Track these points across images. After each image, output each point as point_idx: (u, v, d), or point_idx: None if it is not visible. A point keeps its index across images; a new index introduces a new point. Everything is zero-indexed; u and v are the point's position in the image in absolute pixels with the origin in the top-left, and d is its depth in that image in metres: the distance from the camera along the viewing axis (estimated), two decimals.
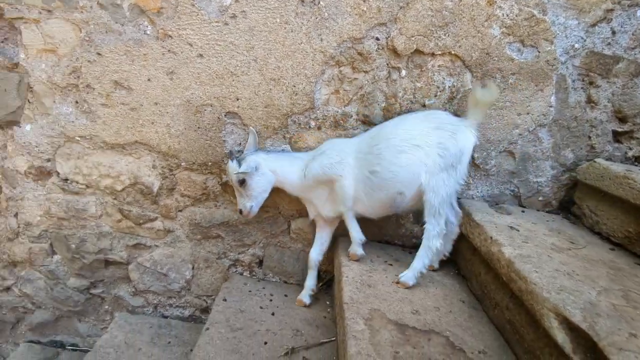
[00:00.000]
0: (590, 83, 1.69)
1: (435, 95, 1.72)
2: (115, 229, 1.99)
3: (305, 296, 1.79)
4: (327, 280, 1.96)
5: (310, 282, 1.80)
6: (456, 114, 1.66)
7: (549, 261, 1.28)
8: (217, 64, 1.73)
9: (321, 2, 1.63)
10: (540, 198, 1.82)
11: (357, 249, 1.66)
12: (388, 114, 1.75)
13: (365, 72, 1.71)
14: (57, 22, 1.72)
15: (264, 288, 1.93)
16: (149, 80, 1.76)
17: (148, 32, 1.71)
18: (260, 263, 2.03)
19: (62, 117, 1.83)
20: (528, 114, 1.72)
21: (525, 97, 1.71)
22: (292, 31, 1.68)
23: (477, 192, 1.82)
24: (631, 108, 1.70)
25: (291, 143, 1.81)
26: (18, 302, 2.12)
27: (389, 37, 1.66)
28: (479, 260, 1.58)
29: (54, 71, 1.78)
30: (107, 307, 2.14)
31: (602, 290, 1.13)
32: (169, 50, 1.72)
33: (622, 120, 1.72)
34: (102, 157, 1.88)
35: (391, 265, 1.69)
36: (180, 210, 1.95)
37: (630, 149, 1.74)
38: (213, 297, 2.06)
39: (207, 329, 1.59)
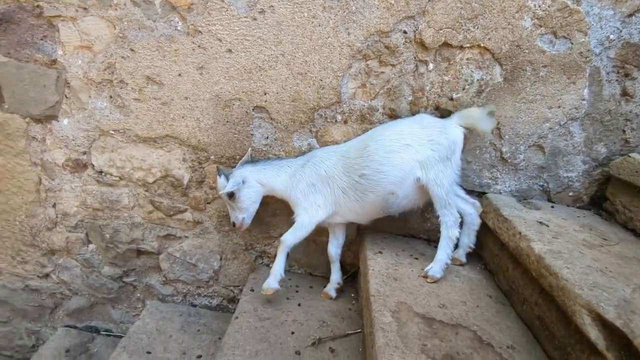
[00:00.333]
0: (626, 75, 1.64)
1: (463, 89, 1.70)
2: (146, 220, 2.05)
3: (331, 290, 1.83)
4: (352, 273, 1.99)
5: (335, 276, 1.83)
6: (442, 116, 1.69)
7: (580, 257, 1.27)
8: (245, 58, 1.76)
9: None
10: (571, 193, 1.79)
11: (272, 282, 1.65)
12: (415, 108, 1.74)
13: (392, 65, 1.71)
14: (92, 19, 1.78)
15: (289, 279, 1.96)
16: (179, 75, 1.81)
17: (179, 28, 1.75)
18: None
19: (97, 112, 1.90)
20: (559, 107, 1.69)
21: (556, 90, 1.67)
22: (319, 25, 1.68)
23: (505, 187, 1.80)
24: None
25: (317, 137, 1.83)
26: (56, 288, 2.23)
27: (416, 30, 1.65)
28: (506, 256, 1.57)
29: (90, 67, 1.85)
30: (138, 295, 2.22)
31: (637, 287, 1.11)
32: (199, 46, 1.76)
33: None
34: (135, 151, 1.94)
35: (417, 259, 1.69)
36: (209, 203, 2.00)
37: None
38: (240, 287, 2.11)
39: (236, 317, 1.64)
